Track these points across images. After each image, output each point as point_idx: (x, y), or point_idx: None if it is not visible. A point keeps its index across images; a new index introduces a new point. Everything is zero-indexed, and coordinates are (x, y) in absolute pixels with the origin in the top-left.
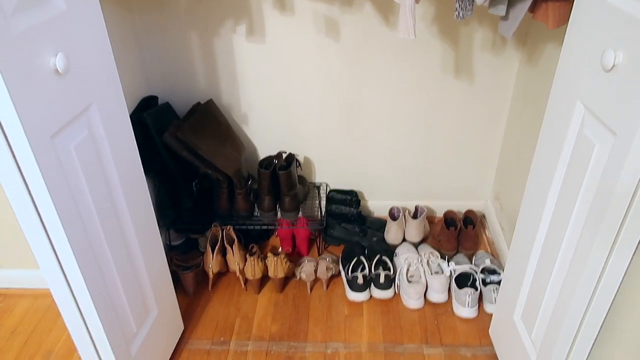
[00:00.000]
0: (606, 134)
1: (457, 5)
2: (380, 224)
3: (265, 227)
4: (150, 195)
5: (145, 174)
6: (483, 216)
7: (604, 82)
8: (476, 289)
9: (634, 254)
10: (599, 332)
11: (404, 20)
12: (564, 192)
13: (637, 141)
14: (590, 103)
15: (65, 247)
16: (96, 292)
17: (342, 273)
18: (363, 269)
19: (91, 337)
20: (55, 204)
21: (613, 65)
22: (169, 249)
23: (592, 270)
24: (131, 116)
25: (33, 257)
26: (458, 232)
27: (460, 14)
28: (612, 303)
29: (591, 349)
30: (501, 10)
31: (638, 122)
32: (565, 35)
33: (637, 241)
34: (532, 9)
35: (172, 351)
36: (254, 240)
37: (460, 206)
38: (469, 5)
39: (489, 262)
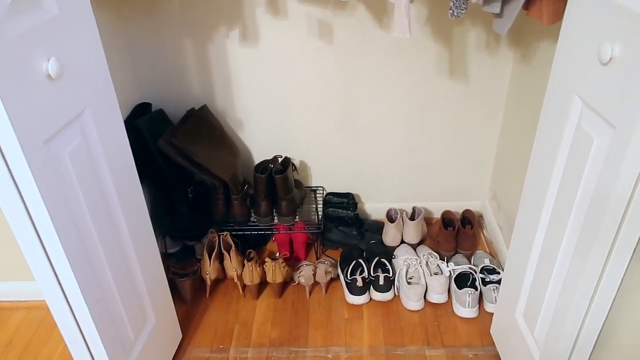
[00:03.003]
0: (605, 127)
1: (452, 3)
2: (378, 227)
3: (262, 232)
4: (145, 203)
5: (139, 181)
6: (481, 216)
7: (602, 75)
8: (476, 289)
9: (635, 249)
10: (602, 328)
11: (399, 19)
12: (563, 188)
13: (637, 133)
14: (588, 97)
15: (60, 256)
16: (93, 301)
17: (341, 276)
18: (362, 271)
19: (88, 347)
20: (50, 211)
21: (610, 58)
22: (166, 257)
23: (594, 266)
24: (125, 123)
25: (25, 269)
26: (456, 233)
27: (455, 12)
28: (614, 299)
29: (594, 345)
30: (495, 7)
31: (637, 113)
32: (561, 30)
33: (639, 235)
34: (526, 6)
35: None
36: (251, 246)
37: (457, 207)
38: (463, 3)
39: (488, 261)
